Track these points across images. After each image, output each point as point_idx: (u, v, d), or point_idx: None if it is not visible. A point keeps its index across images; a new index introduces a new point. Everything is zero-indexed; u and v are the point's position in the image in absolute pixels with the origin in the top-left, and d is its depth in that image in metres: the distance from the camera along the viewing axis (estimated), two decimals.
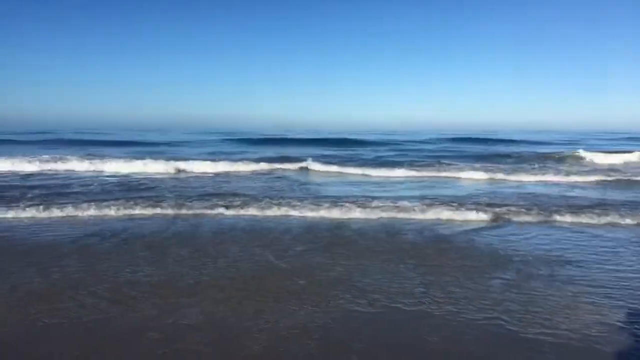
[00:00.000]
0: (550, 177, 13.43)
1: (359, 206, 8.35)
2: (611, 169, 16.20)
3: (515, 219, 7.79)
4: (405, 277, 4.94)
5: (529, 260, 5.51)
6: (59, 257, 5.49)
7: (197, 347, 3.39)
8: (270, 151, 22.52)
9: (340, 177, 14.35)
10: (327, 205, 8.43)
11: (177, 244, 6.13)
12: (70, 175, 13.28)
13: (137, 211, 8.10)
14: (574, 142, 33.18)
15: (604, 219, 7.68)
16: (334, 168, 15.53)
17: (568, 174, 14.02)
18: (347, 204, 8.48)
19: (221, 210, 8.22)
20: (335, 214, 8.00)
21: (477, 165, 16.47)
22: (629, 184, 12.29)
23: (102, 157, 16.56)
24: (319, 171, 15.34)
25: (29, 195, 9.31)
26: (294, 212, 8.13)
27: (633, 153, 20.27)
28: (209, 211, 8.20)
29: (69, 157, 15.96)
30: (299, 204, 8.55)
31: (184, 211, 8.16)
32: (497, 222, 7.65)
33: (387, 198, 9.36)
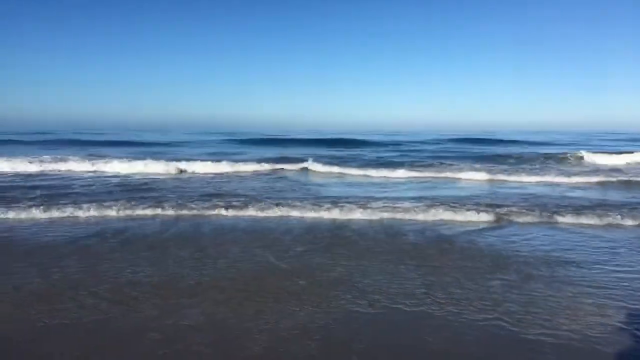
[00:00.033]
0: (551, 178, 13.42)
1: (359, 207, 8.35)
2: (613, 169, 16.19)
3: (516, 219, 7.79)
4: (406, 277, 4.94)
5: (530, 261, 5.51)
6: (59, 258, 5.50)
7: (198, 347, 3.39)
8: (271, 151, 22.53)
9: (340, 177, 14.35)
10: (327, 205, 8.43)
11: (178, 245, 6.14)
12: (71, 176, 13.30)
13: (138, 212, 8.10)
14: (575, 143, 33.13)
15: (605, 220, 7.67)
16: (335, 169, 15.54)
17: (569, 174, 14.01)
18: (348, 205, 8.48)
19: (222, 210, 8.22)
20: (336, 214, 8.00)
21: (478, 165, 16.46)
22: (630, 185, 12.28)
23: (102, 157, 16.57)
24: (319, 172, 15.33)
25: (30, 196, 9.32)
26: (295, 213, 8.13)
27: (635, 154, 20.23)
28: (209, 212, 8.20)
29: (69, 157, 15.99)
30: (299, 204, 8.55)
31: (184, 212, 8.17)
32: (498, 222, 7.65)
33: (387, 199, 9.36)
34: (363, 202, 8.78)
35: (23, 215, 7.72)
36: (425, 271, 5.15)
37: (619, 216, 7.79)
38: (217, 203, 8.69)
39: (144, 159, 15.79)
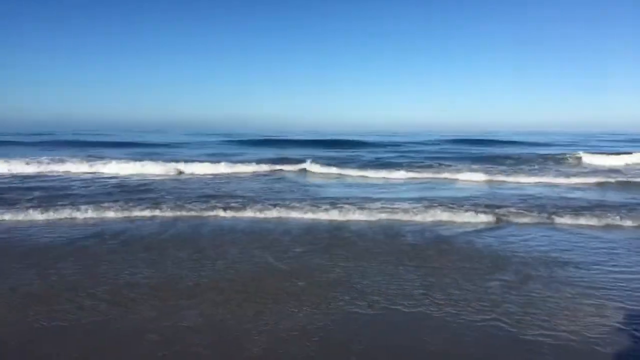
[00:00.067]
0: (549, 179, 13.43)
1: (358, 208, 8.35)
2: (611, 170, 16.22)
3: (514, 220, 7.80)
4: (405, 278, 4.94)
5: (529, 262, 5.51)
6: (57, 259, 5.49)
7: (197, 349, 3.38)
8: (270, 152, 22.52)
9: (339, 178, 14.35)
10: (326, 206, 8.43)
11: (176, 246, 6.13)
12: (69, 177, 13.27)
13: (136, 213, 8.09)
14: (574, 144, 33.17)
15: (603, 221, 7.68)
16: (333, 170, 15.53)
17: (568, 175, 14.03)
18: (346, 206, 8.48)
19: (220, 212, 8.22)
20: (335, 215, 8.00)
21: (477, 166, 16.47)
22: (628, 186, 12.30)
23: (101, 158, 16.55)
24: (318, 173, 15.33)
25: (28, 197, 9.31)
26: (293, 214, 8.13)
27: (633, 154, 20.27)
28: (208, 213, 8.20)
29: (68, 158, 15.96)
30: (298, 205, 8.55)
31: (183, 213, 8.16)
32: (497, 223, 7.65)
33: (386, 199, 9.36)
34: (362, 203, 8.78)
35: (20, 216, 7.70)
36: (424, 272, 5.15)
37: (617, 217, 7.81)
38: (216, 204, 8.69)
39: (142, 160, 15.77)
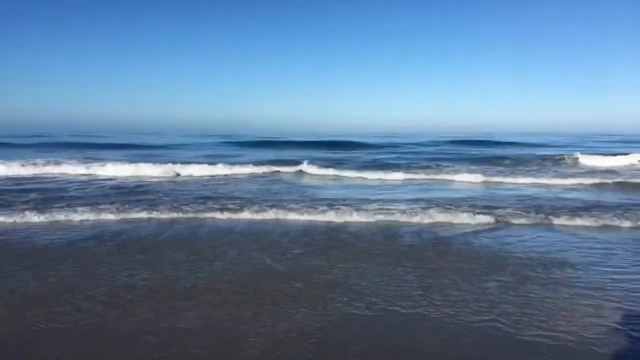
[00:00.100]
0: (547, 180, 13.47)
1: (355, 209, 8.35)
2: (608, 171, 16.27)
3: (512, 221, 7.81)
4: (403, 279, 4.94)
5: (526, 263, 5.52)
6: (55, 261, 5.47)
7: (194, 350, 3.37)
8: (268, 154, 22.52)
9: (337, 180, 14.35)
10: (323, 208, 8.43)
11: (174, 248, 6.12)
12: (66, 179, 13.24)
13: (134, 215, 8.07)
14: (571, 145, 33.29)
15: (601, 222, 7.69)
16: (331, 171, 15.52)
17: (565, 176, 14.07)
18: (344, 207, 8.48)
19: (218, 213, 8.21)
20: (332, 217, 8.00)
21: (475, 167, 16.51)
22: (625, 187, 12.33)
23: (99, 160, 16.52)
24: (315, 174, 15.33)
25: (24, 199, 9.28)
26: (291, 215, 8.12)
27: (630, 155, 20.34)
28: (205, 214, 8.19)
29: (65, 160, 15.93)
30: (295, 207, 8.54)
31: (180, 215, 8.15)
32: (494, 224, 7.66)
33: (383, 201, 9.37)
34: (359, 205, 8.79)
35: (17, 218, 7.68)
36: (422, 273, 5.15)
37: (614, 218, 7.83)
38: (213, 206, 8.68)
39: (140, 161, 15.74)
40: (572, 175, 14.16)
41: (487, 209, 8.45)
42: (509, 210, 8.38)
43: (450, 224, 7.65)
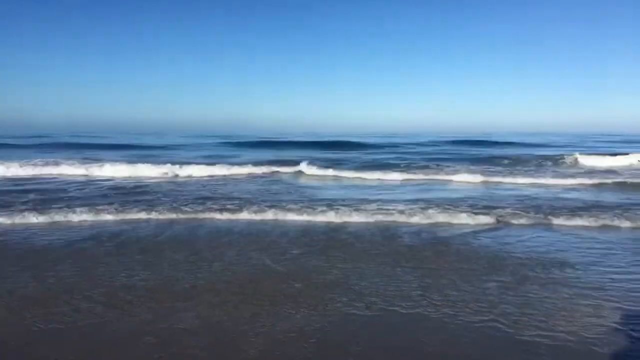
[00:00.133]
0: (546, 180, 13.47)
1: (354, 209, 8.34)
2: (607, 171, 16.28)
3: (511, 221, 7.81)
4: (402, 280, 4.94)
5: (525, 263, 5.52)
6: (54, 262, 5.46)
7: (193, 351, 3.37)
8: (267, 154, 22.52)
9: (336, 180, 14.35)
10: (322, 208, 8.42)
11: (173, 248, 6.11)
12: (65, 180, 13.23)
13: (133, 215, 8.06)
14: (571, 145, 33.31)
15: (600, 222, 7.69)
16: (330, 171, 15.50)
17: (564, 176, 14.08)
18: (343, 207, 8.48)
19: (217, 214, 8.20)
20: (331, 217, 7.99)
21: (474, 167, 16.51)
22: (624, 187, 12.33)
23: (98, 161, 16.50)
24: (314, 175, 15.32)
25: (23, 200, 9.27)
26: (290, 216, 8.12)
27: (629, 155, 20.35)
28: (204, 215, 8.18)
29: (64, 161, 15.92)
30: (294, 207, 8.54)
31: (179, 215, 8.14)
32: (494, 224, 7.66)
33: (383, 201, 9.37)
34: (358, 205, 8.78)
35: (16, 219, 7.66)
36: (421, 273, 5.15)
37: (613, 218, 7.83)
38: (212, 206, 8.67)
39: (139, 162, 15.74)
40: (572, 176, 14.17)
41: (486, 209, 8.45)
42: (508, 210, 8.38)
43: (450, 224, 7.65)
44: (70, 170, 14.89)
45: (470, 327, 3.77)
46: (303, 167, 15.99)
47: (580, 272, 5.20)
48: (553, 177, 13.95)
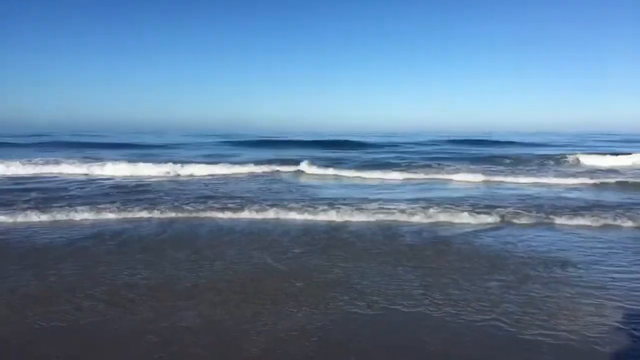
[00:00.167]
0: (547, 179, 13.46)
1: (355, 209, 8.34)
2: (609, 170, 16.26)
3: (512, 220, 7.80)
4: (404, 279, 4.93)
5: (527, 262, 5.51)
6: (55, 260, 5.46)
7: (195, 350, 3.37)
8: (268, 153, 22.51)
9: (337, 179, 14.35)
10: (324, 207, 8.42)
11: (174, 247, 6.11)
12: (66, 179, 13.24)
13: (134, 214, 8.07)
14: (572, 144, 33.29)
15: (602, 221, 7.69)
16: (330, 171, 15.49)
17: (565, 175, 14.07)
18: (344, 207, 8.47)
19: (218, 212, 8.20)
20: (332, 216, 7.99)
21: (475, 167, 16.51)
22: (626, 186, 12.32)
23: (98, 159, 16.51)
24: (315, 174, 15.32)
25: (25, 199, 9.27)
26: (291, 215, 8.11)
27: (631, 155, 20.32)
28: (205, 214, 8.18)
29: (65, 160, 15.92)
30: (295, 206, 8.54)
31: (180, 214, 8.14)
32: (495, 224, 7.65)
33: (383, 200, 9.36)
34: (359, 204, 8.78)
35: (18, 218, 7.67)
36: (422, 272, 5.14)
37: (615, 217, 7.82)
38: (213, 205, 8.68)
39: (140, 161, 15.74)
40: (573, 175, 14.16)
41: (487, 208, 8.44)
42: (509, 209, 8.37)
43: (451, 224, 7.64)
44: (71, 169, 14.90)
45: (472, 326, 3.76)
46: (303, 166, 15.99)
47: (582, 271, 5.20)
48: (555, 176, 13.94)
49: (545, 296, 4.41)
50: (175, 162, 15.48)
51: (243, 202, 8.94)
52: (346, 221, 7.78)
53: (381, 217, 7.96)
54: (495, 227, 7.41)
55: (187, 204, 8.81)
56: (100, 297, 4.34)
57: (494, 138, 40.57)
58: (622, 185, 12.41)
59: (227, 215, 8.11)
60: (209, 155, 21.54)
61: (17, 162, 14.99)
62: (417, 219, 7.85)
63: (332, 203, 8.83)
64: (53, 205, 8.48)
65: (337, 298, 4.38)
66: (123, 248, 6.05)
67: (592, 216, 7.86)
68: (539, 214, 8.06)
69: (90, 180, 12.77)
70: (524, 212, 8.15)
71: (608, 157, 20.58)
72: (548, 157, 21.10)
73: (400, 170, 15.14)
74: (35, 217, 7.70)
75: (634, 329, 3.70)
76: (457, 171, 15.05)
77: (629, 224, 7.60)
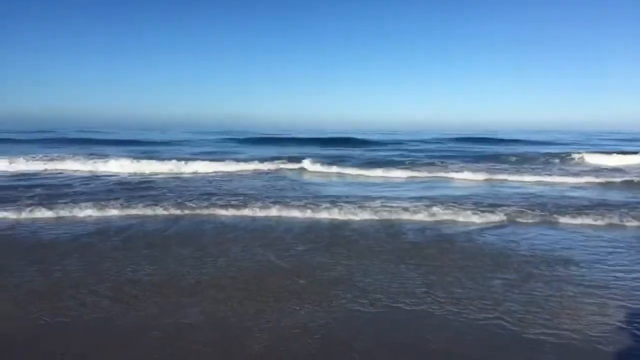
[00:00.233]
0: (552, 178, 13.41)
1: (358, 206, 8.34)
2: (614, 169, 16.17)
3: (516, 219, 7.78)
4: (406, 277, 4.94)
5: (530, 261, 5.50)
6: (60, 256, 5.50)
7: (198, 346, 3.39)
8: (270, 151, 22.53)
9: (340, 177, 14.35)
10: (327, 205, 8.42)
11: (178, 244, 6.14)
12: (71, 175, 13.30)
13: (139, 210, 8.10)
14: (577, 143, 33.14)
15: (606, 220, 7.66)
16: (333, 168, 15.50)
17: (570, 174, 14.00)
18: (347, 204, 8.48)
19: (222, 209, 8.22)
20: (335, 214, 7.99)
21: (479, 165, 16.46)
22: (632, 185, 12.25)
23: (103, 156, 16.57)
24: (318, 171, 15.32)
25: (30, 195, 9.32)
26: (294, 212, 8.12)
27: (638, 154, 20.17)
28: (209, 211, 8.20)
29: (69, 156, 15.99)
30: (299, 203, 8.55)
31: (185, 211, 8.17)
32: (499, 222, 7.64)
33: (387, 198, 9.36)
34: (362, 202, 8.78)
35: (23, 214, 7.71)
36: (425, 270, 5.15)
37: (620, 216, 7.78)
38: (217, 202, 8.70)
39: (144, 158, 15.81)
40: (578, 174, 14.09)
41: (491, 206, 8.42)
42: (513, 208, 8.34)
43: (454, 222, 7.63)
44: (75, 165, 14.97)
45: (475, 325, 3.77)
46: (306, 163, 15.99)
47: (585, 270, 5.19)
48: (559, 175, 13.88)
49: (548, 295, 4.41)
50: (179, 159, 15.53)
51: (246, 200, 8.96)
52: (349, 219, 7.78)
53: (384, 215, 7.96)
54: (498, 226, 7.40)
55: (191, 200, 8.83)
56: (105, 293, 4.37)
57: (499, 136, 40.39)
58: (628, 185, 12.33)
59: (231, 212, 8.13)
60: (213, 152, 21.60)
61: (22, 159, 15.08)
62: (421, 217, 7.85)
63: (335, 201, 8.84)
64: (58, 201, 8.53)
65: (340, 296, 4.39)
66: (127, 244, 6.08)
67: (597, 215, 7.83)
68: (543, 213, 8.04)
69: (94, 177, 12.83)
70: (528, 211, 8.13)
71: (614, 156, 20.44)
72: (553, 155, 20.99)
73: (404, 168, 15.12)
74: (40, 213, 7.74)
75: (637, 328, 3.69)
76: (461, 169, 15.00)
77: (634, 223, 7.56)
